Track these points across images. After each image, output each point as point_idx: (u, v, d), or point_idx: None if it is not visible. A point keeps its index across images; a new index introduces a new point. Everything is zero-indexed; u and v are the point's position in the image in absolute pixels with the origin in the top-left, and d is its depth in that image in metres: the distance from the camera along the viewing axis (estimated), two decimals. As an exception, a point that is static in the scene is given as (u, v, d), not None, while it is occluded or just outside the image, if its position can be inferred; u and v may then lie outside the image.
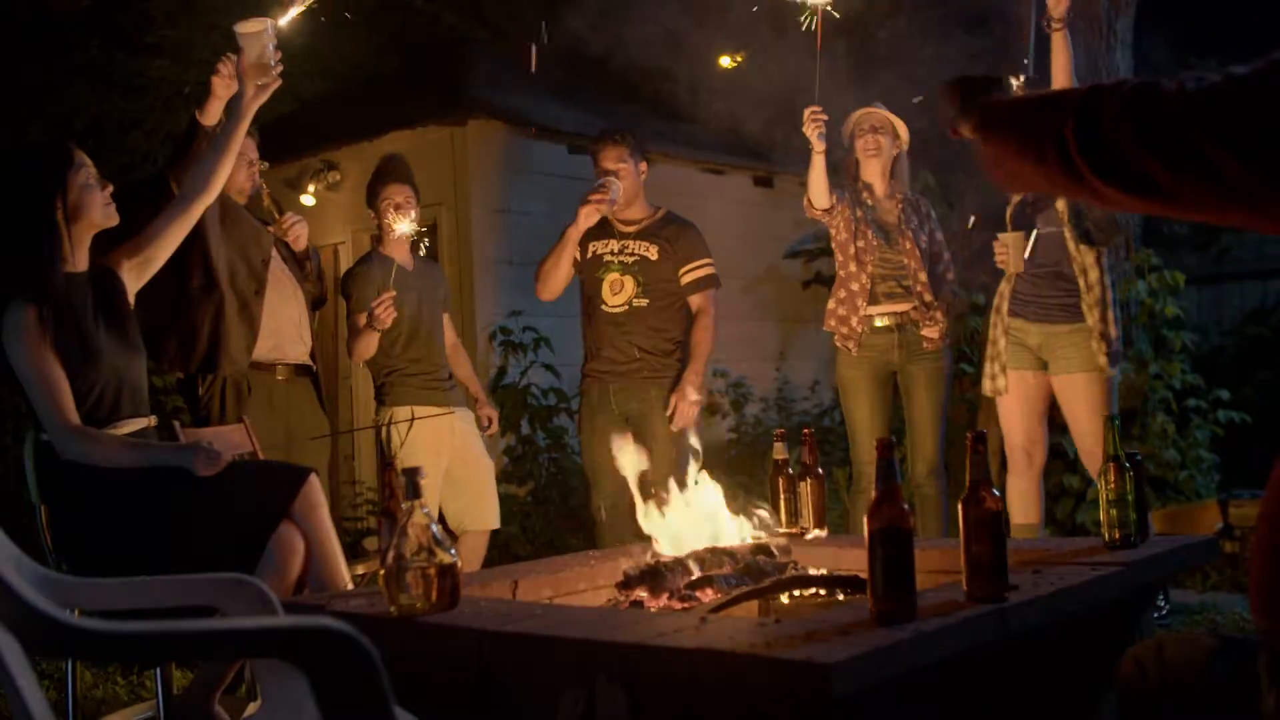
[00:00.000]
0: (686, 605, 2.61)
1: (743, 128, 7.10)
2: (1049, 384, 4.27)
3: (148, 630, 1.24)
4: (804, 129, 4.29)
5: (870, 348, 4.48)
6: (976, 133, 1.67)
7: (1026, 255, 4.19)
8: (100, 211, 3.04)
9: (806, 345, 7.98)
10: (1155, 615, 4.07)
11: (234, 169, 3.70)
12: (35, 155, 3.15)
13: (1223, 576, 4.94)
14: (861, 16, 4.41)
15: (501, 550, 5.65)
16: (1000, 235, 4.22)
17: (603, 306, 4.43)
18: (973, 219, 4.67)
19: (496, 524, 4.63)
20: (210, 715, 2.80)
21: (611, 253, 4.45)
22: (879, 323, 4.47)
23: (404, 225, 4.34)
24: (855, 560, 2.83)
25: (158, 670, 2.87)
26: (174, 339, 3.98)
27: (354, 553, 5.21)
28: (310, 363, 4.25)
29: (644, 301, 4.40)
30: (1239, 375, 7.15)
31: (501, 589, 2.83)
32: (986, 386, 4.37)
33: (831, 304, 4.59)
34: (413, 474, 2.26)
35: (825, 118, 4.27)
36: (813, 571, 2.79)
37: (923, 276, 4.46)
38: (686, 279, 4.46)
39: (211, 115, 3.71)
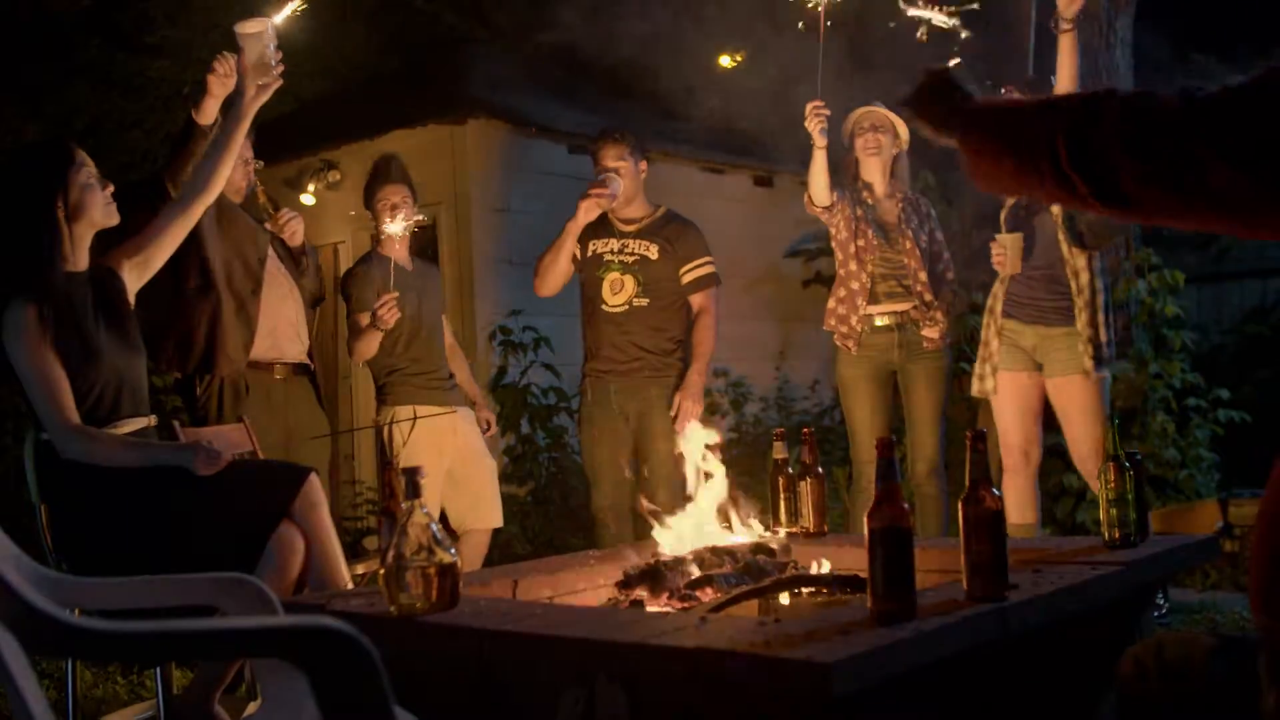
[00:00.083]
0: (686, 605, 2.61)
1: (742, 127, 7.10)
2: (1044, 385, 4.28)
3: (148, 630, 1.24)
4: (806, 123, 4.29)
5: (870, 347, 4.48)
6: (959, 137, 1.66)
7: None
8: (101, 211, 3.05)
9: (806, 344, 7.98)
10: (1155, 614, 4.07)
11: None
12: (36, 154, 3.16)
13: (1222, 575, 4.94)
14: (862, 15, 4.40)
15: (501, 550, 5.65)
16: (998, 237, 4.23)
17: (603, 306, 4.43)
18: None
19: (499, 523, 4.64)
20: (210, 715, 2.80)
21: (612, 252, 4.45)
22: (879, 322, 4.47)
23: (394, 226, 4.33)
24: (855, 559, 2.83)
25: (158, 670, 2.88)
26: (171, 339, 3.98)
27: (354, 552, 5.21)
28: (308, 362, 4.25)
29: (644, 301, 4.40)
30: (1239, 374, 7.14)
31: (501, 588, 2.83)
32: (974, 387, 4.36)
33: (831, 303, 4.59)
34: (413, 473, 2.26)
35: (827, 112, 4.27)
36: (813, 571, 2.80)
37: (923, 276, 4.46)
38: (687, 278, 4.46)
39: (208, 114, 3.71)
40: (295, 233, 4.20)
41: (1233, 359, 7.73)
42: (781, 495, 3.28)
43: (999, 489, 2.16)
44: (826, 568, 2.85)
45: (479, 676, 2.20)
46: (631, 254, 4.44)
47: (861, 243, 4.46)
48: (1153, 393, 6.00)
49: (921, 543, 2.27)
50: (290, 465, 3.21)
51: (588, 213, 4.35)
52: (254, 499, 2.90)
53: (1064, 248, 4.19)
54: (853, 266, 4.49)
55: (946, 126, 1.72)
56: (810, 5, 4.03)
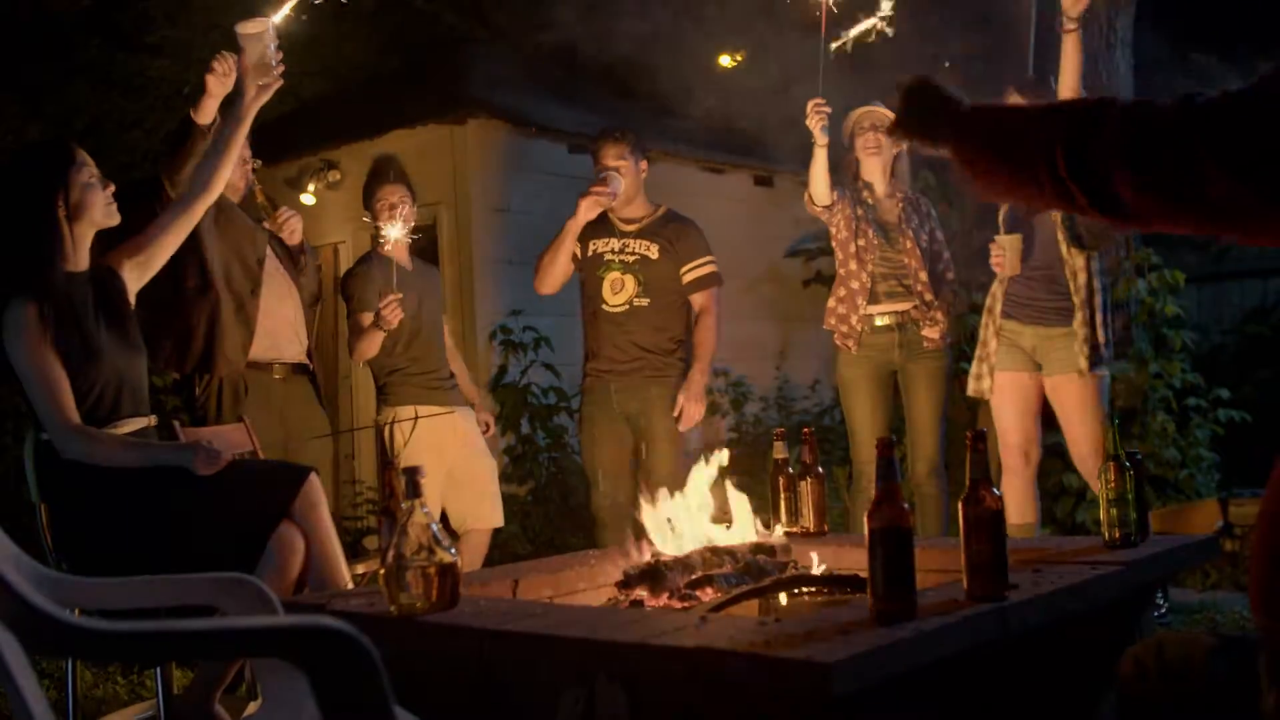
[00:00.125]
0: (686, 604, 2.61)
1: (743, 126, 7.09)
2: (1043, 385, 4.28)
3: (148, 629, 1.24)
4: (807, 121, 4.28)
5: (870, 347, 4.48)
6: (951, 147, 1.65)
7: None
8: (102, 210, 3.05)
9: (806, 344, 7.98)
10: (1155, 614, 4.06)
11: None
12: (37, 154, 3.16)
13: (1223, 575, 4.93)
14: (863, 15, 4.40)
15: (501, 549, 5.65)
16: (997, 238, 4.22)
17: (603, 306, 4.43)
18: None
19: (499, 522, 4.64)
20: (210, 715, 2.80)
21: (612, 251, 4.45)
22: (879, 322, 4.47)
23: (392, 230, 4.33)
24: (855, 559, 2.83)
25: (158, 670, 2.87)
26: (170, 339, 3.98)
27: (354, 552, 5.21)
28: (307, 361, 4.25)
29: (645, 301, 4.40)
30: (1239, 374, 7.14)
31: (502, 588, 2.83)
32: (971, 387, 4.35)
33: (832, 302, 4.58)
34: (413, 473, 2.26)
35: (828, 110, 4.27)
36: (813, 570, 2.80)
37: (923, 275, 4.45)
38: (688, 277, 4.46)
39: (206, 114, 3.70)
40: (294, 231, 4.20)
41: (1233, 359, 7.73)
42: (782, 495, 3.28)
43: (999, 489, 2.16)
44: (816, 564, 2.86)
45: (479, 676, 2.20)
46: (632, 253, 4.44)
47: (862, 242, 4.46)
48: (1153, 392, 6.00)
49: (921, 542, 2.27)
50: (290, 465, 3.21)
51: (588, 211, 4.35)
52: (254, 499, 2.90)
53: (1063, 248, 4.19)
54: (853, 266, 4.49)
55: (935, 137, 1.70)
56: (812, 1, 4.03)
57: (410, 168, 4.70)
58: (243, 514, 2.87)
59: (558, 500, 6.47)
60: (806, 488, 3.26)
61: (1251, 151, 1.28)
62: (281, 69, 3.28)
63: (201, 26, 8.46)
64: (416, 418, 4.30)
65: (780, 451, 3.29)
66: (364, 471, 7.26)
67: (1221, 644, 1.51)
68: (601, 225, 4.48)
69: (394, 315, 4.17)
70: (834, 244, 4.60)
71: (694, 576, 2.69)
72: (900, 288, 4.47)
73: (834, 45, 3.95)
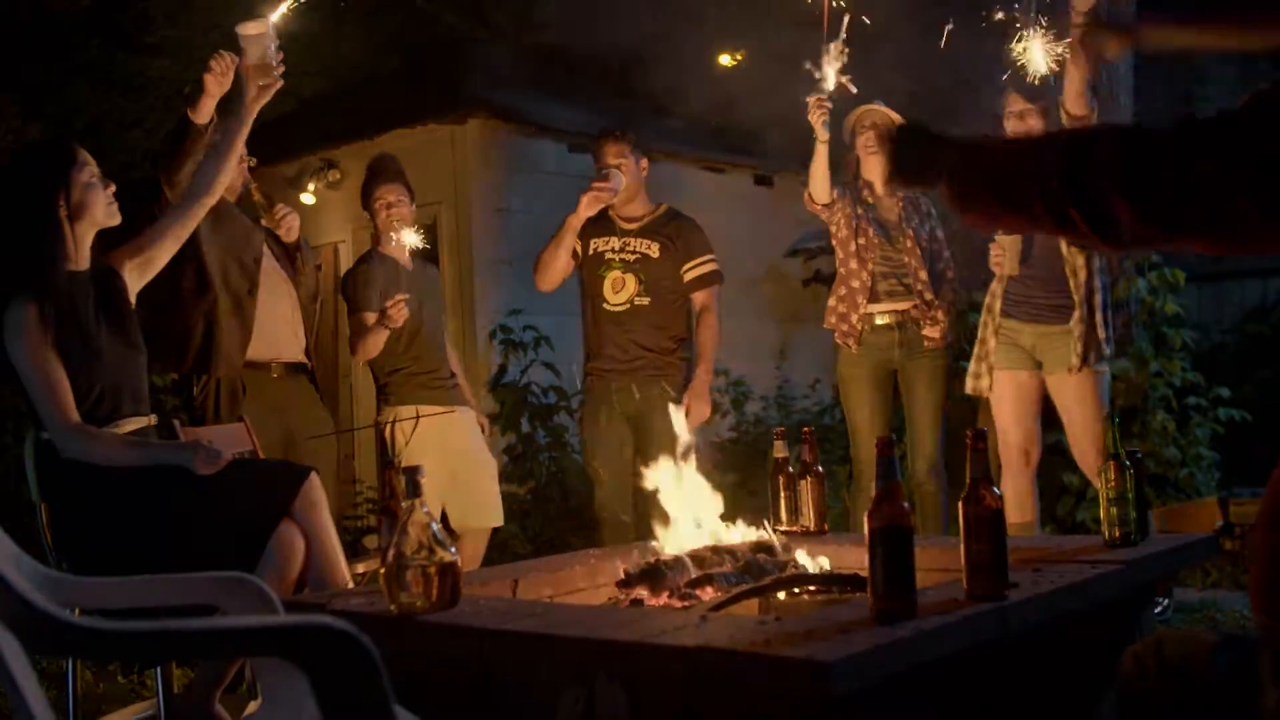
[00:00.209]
0: (686, 603, 2.61)
1: (743, 126, 7.09)
2: (1043, 383, 4.27)
3: (148, 629, 1.24)
4: (809, 116, 4.28)
5: (871, 346, 4.48)
6: (947, 187, 1.65)
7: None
8: (103, 210, 3.05)
9: (807, 343, 7.98)
10: (1157, 612, 4.06)
11: None
12: (38, 153, 3.16)
13: (1223, 574, 4.94)
14: (863, 13, 4.41)
15: (501, 549, 5.65)
16: (996, 238, 4.22)
17: (604, 305, 4.43)
18: None
19: (499, 522, 4.64)
20: (211, 714, 2.81)
21: (613, 250, 4.45)
22: (880, 320, 4.46)
23: (410, 236, 4.34)
24: (856, 558, 2.83)
25: (158, 669, 2.87)
26: (167, 339, 3.98)
27: (354, 551, 5.21)
28: (306, 360, 4.25)
29: (646, 300, 4.40)
30: (1239, 373, 7.14)
31: (502, 588, 2.83)
32: (969, 385, 4.34)
33: (832, 301, 4.58)
34: (413, 472, 2.26)
35: (830, 105, 4.27)
36: (813, 569, 2.79)
37: (923, 274, 4.45)
38: (689, 276, 4.46)
39: (204, 113, 3.70)
40: (291, 228, 4.20)
41: (1233, 358, 7.73)
42: (782, 494, 3.28)
43: (999, 488, 2.16)
44: (806, 561, 2.86)
45: (479, 676, 2.20)
46: (633, 252, 4.44)
47: (862, 241, 4.46)
48: (1153, 391, 5.99)
49: (921, 541, 2.27)
50: (291, 465, 3.21)
51: (588, 207, 4.34)
52: (254, 498, 2.90)
53: (1063, 246, 4.18)
54: (853, 265, 4.49)
55: (930, 181, 1.69)
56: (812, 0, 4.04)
57: (410, 167, 4.70)
58: (243, 513, 2.87)
59: (558, 500, 6.47)
60: (806, 487, 3.26)
61: (1253, 165, 1.28)
62: (282, 70, 3.28)
63: (201, 26, 8.46)
64: (418, 417, 4.30)
65: (780, 450, 3.29)
66: (364, 471, 7.27)
67: (1222, 642, 1.51)
68: (602, 224, 4.48)
69: (400, 315, 4.17)
70: (834, 243, 4.60)
71: (694, 575, 2.69)
72: (900, 287, 4.47)
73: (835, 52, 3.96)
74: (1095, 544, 2.73)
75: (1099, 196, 1.39)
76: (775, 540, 2.93)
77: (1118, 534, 2.66)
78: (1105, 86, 5.87)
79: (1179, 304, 6.09)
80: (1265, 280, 8.71)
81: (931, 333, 4.43)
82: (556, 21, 6.67)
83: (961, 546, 2.12)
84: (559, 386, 6.57)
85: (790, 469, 3.30)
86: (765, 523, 3.13)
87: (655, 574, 2.68)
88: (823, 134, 4.30)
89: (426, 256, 4.75)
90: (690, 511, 3.06)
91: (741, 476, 6.24)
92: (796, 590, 2.62)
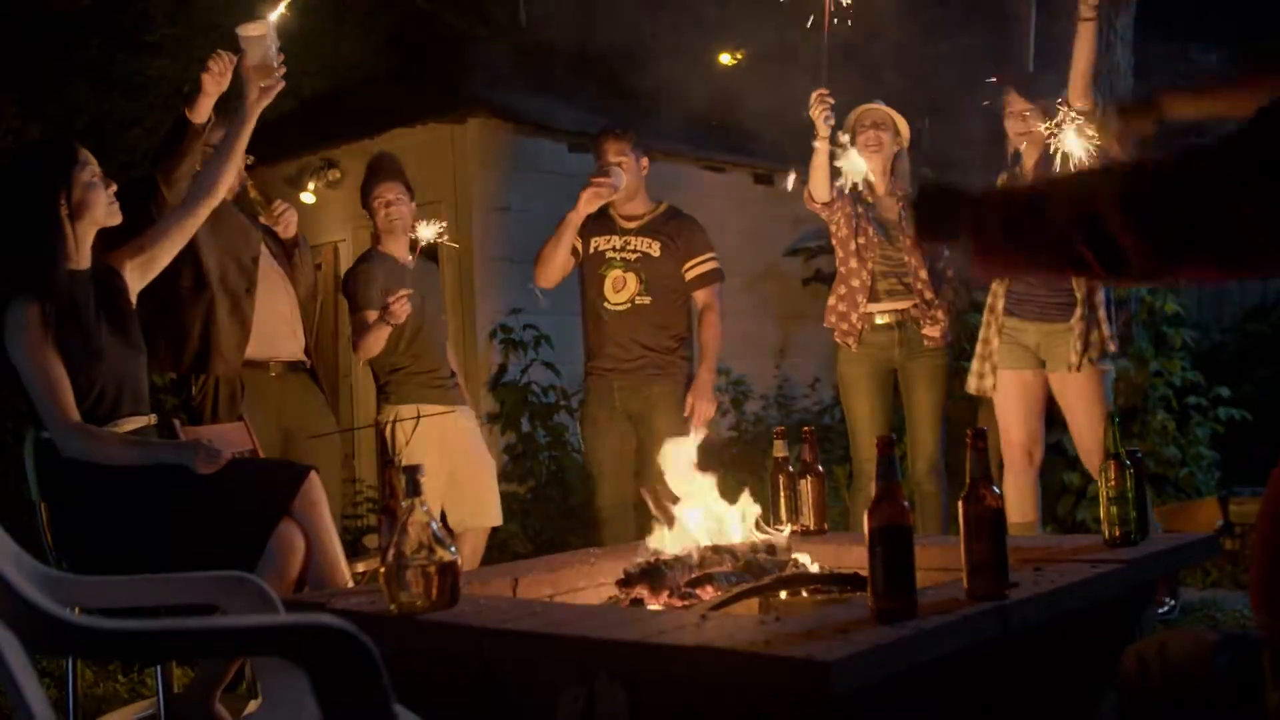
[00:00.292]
0: (687, 603, 2.61)
1: (743, 125, 7.09)
2: (1047, 382, 4.26)
3: (148, 628, 1.24)
4: (810, 111, 4.28)
5: (871, 345, 4.47)
6: (969, 242, 1.67)
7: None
8: (104, 209, 3.05)
9: (807, 343, 7.98)
10: (1162, 612, 4.05)
11: None
12: (40, 153, 3.17)
13: (1223, 573, 4.93)
14: (864, 13, 4.41)
15: (501, 548, 5.65)
16: None
17: (605, 304, 4.43)
18: None
19: (498, 521, 4.64)
20: (211, 713, 2.81)
21: (614, 249, 4.45)
22: (880, 320, 4.46)
23: (427, 230, 4.32)
24: (856, 558, 2.83)
25: (158, 668, 2.87)
26: (165, 339, 3.97)
27: (355, 551, 5.21)
28: (305, 359, 4.24)
29: (647, 299, 4.40)
30: (1239, 372, 7.14)
31: (502, 587, 2.83)
32: (972, 385, 4.33)
33: (832, 300, 4.58)
34: (413, 472, 2.26)
35: (832, 101, 4.26)
36: (813, 569, 2.79)
37: (923, 274, 4.45)
38: (691, 274, 4.46)
39: (201, 113, 3.70)
40: (289, 224, 4.20)
41: (1233, 357, 7.73)
42: (782, 493, 3.28)
43: (999, 487, 2.16)
44: (802, 559, 2.86)
45: (479, 675, 2.20)
46: (634, 251, 4.44)
47: (862, 240, 4.46)
48: (1153, 390, 6.00)
49: (922, 541, 2.28)
50: (291, 464, 3.21)
51: (589, 203, 4.34)
52: (254, 498, 2.90)
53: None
54: (853, 264, 4.48)
55: (953, 236, 1.72)
56: None
57: (410, 167, 4.69)
58: (243, 513, 2.87)
59: (558, 499, 6.47)
60: (806, 486, 3.26)
61: (1257, 172, 1.28)
62: (283, 71, 3.28)
63: (201, 26, 8.45)
64: (419, 417, 4.30)
65: (780, 450, 3.29)
66: (364, 470, 7.27)
67: (1224, 641, 1.51)
68: (603, 222, 4.48)
69: (402, 310, 4.17)
70: (834, 242, 4.60)
71: (694, 575, 2.69)
72: (901, 286, 4.47)
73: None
74: (1095, 543, 2.73)
75: (1108, 232, 1.39)
76: (776, 539, 2.93)
77: (1118, 533, 2.66)
78: (1106, 86, 5.87)
79: (1179, 303, 6.09)
80: (1265, 280, 8.71)
81: (932, 332, 4.43)
82: (556, 20, 6.67)
83: (962, 546, 2.12)
84: (559, 386, 6.57)
85: (790, 468, 3.30)
86: (764, 522, 3.13)
87: (655, 573, 2.68)
88: (824, 129, 4.29)
89: (427, 254, 4.74)
90: (691, 511, 3.06)
91: (742, 476, 6.23)
92: (797, 590, 2.62)
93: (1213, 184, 1.31)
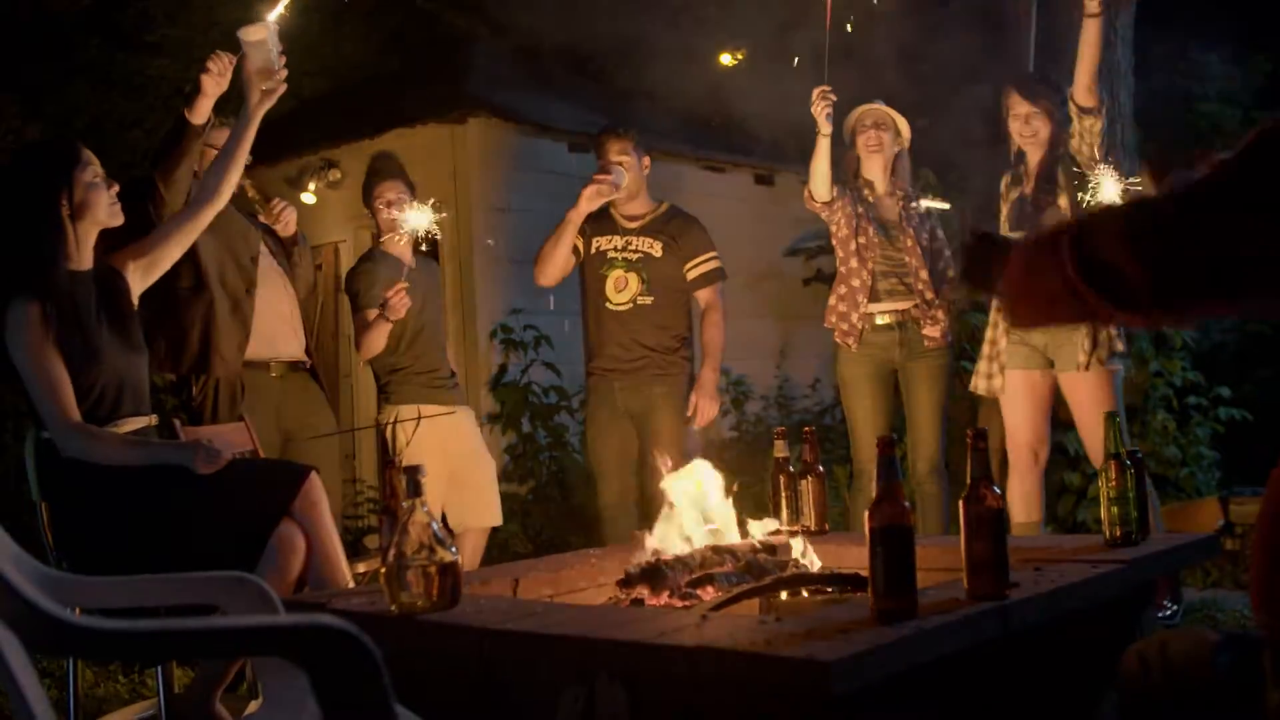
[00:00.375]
0: (687, 603, 2.61)
1: (743, 125, 7.09)
2: (1054, 382, 4.24)
3: (149, 629, 1.24)
4: (812, 108, 4.28)
5: (871, 345, 4.47)
6: (999, 288, 1.68)
7: None
8: (106, 210, 3.05)
9: (807, 343, 7.97)
10: (1165, 615, 4.04)
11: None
12: (42, 153, 3.17)
13: (1223, 573, 4.93)
14: (865, 14, 4.42)
15: (501, 548, 5.65)
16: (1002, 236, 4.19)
17: (607, 304, 4.43)
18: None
19: (498, 521, 4.64)
20: (211, 713, 2.80)
21: (615, 249, 4.45)
22: (880, 320, 4.45)
23: (418, 218, 4.30)
24: (856, 558, 2.83)
25: (159, 668, 2.87)
26: (165, 340, 3.97)
27: (355, 551, 5.22)
28: (305, 358, 4.24)
29: (648, 299, 4.40)
30: (1240, 372, 7.14)
31: (502, 587, 2.83)
32: (981, 386, 4.31)
33: (832, 300, 4.58)
34: (413, 472, 2.26)
35: (834, 98, 4.26)
36: (814, 569, 2.79)
37: (924, 274, 4.45)
38: (693, 274, 4.46)
39: (200, 113, 3.70)
40: (289, 222, 4.20)
41: (1234, 357, 7.73)
42: (782, 493, 3.28)
43: (1000, 487, 2.16)
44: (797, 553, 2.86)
45: (479, 675, 2.20)
46: (635, 251, 4.44)
47: (862, 240, 4.46)
48: (1153, 391, 6.00)
49: (922, 541, 2.28)
50: (291, 464, 3.21)
51: (590, 201, 4.34)
52: (254, 498, 2.90)
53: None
54: (853, 264, 4.48)
55: (989, 284, 1.73)
56: None
57: (410, 167, 4.69)
58: (243, 513, 2.87)
59: (558, 499, 6.47)
60: (807, 486, 3.26)
61: (1261, 191, 1.27)
62: (284, 74, 3.28)
63: (201, 25, 8.46)
64: (420, 417, 4.30)
65: (781, 450, 3.29)
66: (365, 470, 7.27)
67: (1225, 640, 1.51)
68: (604, 222, 4.48)
69: (401, 304, 4.16)
70: (834, 242, 4.59)
71: (694, 575, 2.69)
72: (901, 286, 4.47)
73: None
74: (1096, 543, 2.73)
75: (1109, 270, 1.38)
76: (777, 540, 2.93)
77: (1118, 533, 2.66)
78: (1106, 87, 5.87)
79: (1179, 303, 6.08)
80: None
81: (932, 332, 4.43)
82: (557, 20, 6.66)
83: (962, 546, 2.12)
84: (559, 386, 6.57)
85: (791, 468, 3.30)
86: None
87: (656, 574, 2.68)
88: (825, 126, 4.29)
89: (428, 255, 4.74)
90: (692, 511, 3.06)
91: (743, 477, 6.23)
92: (797, 590, 2.62)
93: (1215, 220, 1.30)
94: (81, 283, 3.01)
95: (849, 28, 4.07)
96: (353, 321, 4.52)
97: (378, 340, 4.31)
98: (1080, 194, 4.04)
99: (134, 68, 8.96)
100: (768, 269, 8.15)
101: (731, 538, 2.97)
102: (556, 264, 4.47)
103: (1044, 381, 4.23)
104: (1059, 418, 4.45)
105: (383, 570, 2.28)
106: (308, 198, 7.20)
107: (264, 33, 3.23)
